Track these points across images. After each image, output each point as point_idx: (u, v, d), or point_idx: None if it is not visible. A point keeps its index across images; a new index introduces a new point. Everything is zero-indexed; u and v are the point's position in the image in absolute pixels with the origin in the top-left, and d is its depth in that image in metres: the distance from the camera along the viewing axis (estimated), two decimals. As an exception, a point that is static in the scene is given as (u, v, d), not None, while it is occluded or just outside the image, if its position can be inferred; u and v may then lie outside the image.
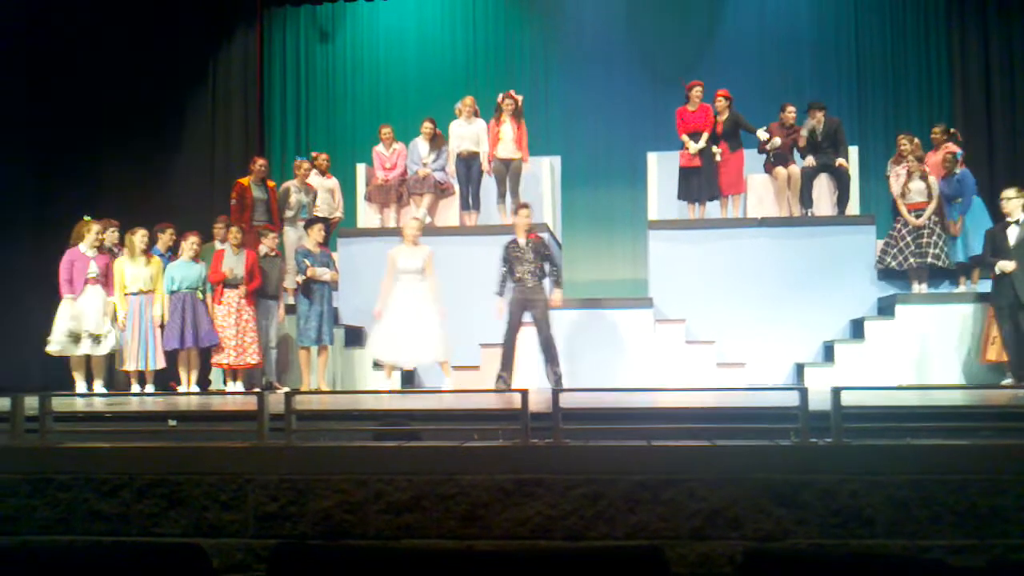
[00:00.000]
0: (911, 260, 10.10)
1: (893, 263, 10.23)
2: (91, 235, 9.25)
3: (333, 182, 11.41)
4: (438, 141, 11.32)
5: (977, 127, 12.77)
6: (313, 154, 11.61)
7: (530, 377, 9.41)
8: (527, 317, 9.06)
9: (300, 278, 9.56)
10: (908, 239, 10.13)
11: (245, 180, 10.41)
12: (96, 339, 9.10)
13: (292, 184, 10.79)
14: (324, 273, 9.57)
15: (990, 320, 9.41)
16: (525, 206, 9.26)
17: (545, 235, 10.91)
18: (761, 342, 10.25)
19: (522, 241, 9.07)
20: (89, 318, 9.11)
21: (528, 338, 9.14)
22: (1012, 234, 8.96)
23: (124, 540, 4.94)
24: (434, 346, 9.06)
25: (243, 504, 4.96)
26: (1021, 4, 12.78)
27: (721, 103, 10.96)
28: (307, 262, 9.52)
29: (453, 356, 9.25)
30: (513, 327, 9.05)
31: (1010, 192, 9.11)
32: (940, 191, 10.31)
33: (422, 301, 9.08)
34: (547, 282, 9.14)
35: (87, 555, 3.86)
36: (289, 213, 10.68)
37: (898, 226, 10.31)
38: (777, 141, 10.93)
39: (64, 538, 4.99)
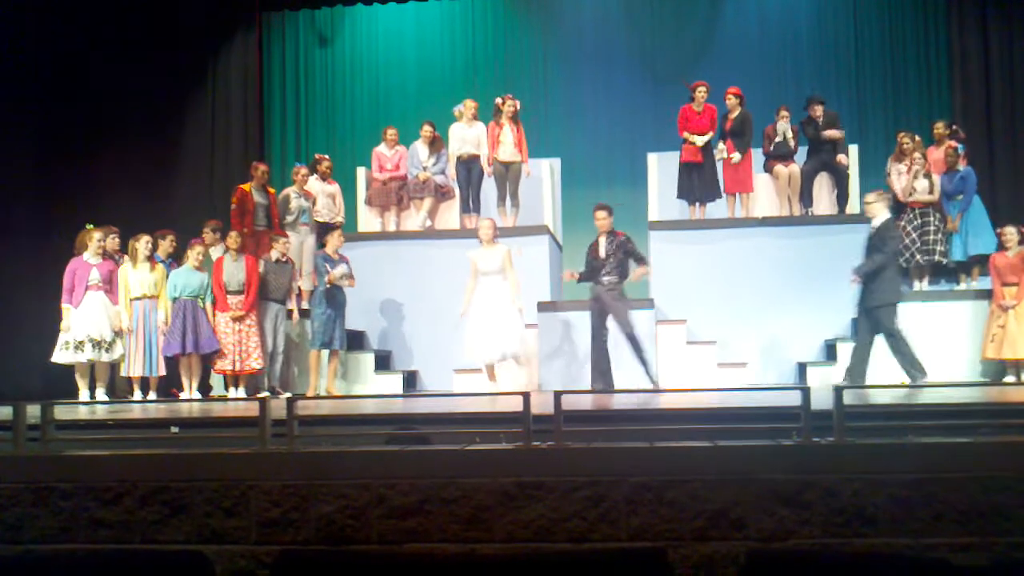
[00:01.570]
0: (918, 257, 10.10)
1: (900, 261, 10.22)
2: (93, 243, 9.33)
3: (334, 187, 11.40)
4: (437, 145, 11.33)
5: (977, 125, 12.73)
6: (317, 156, 11.58)
7: (516, 378, 9.40)
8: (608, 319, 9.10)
9: (326, 280, 9.61)
10: (914, 236, 10.13)
11: (246, 185, 10.42)
12: (99, 345, 9.13)
13: (292, 190, 10.79)
14: (344, 280, 9.64)
15: (991, 318, 9.42)
16: (600, 207, 9.25)
17: (545, 237, 10.95)
18: (762, 341, 10.25)
19: (603, 241, 9.12)
20: (91, 324, 9.15)
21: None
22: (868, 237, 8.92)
23: (127, 548, 4.94)
24: (510, 342, 9.15)
25: (246, 510, 4.95)
26: (1020, 1, 12.77)
27: (732, 100, 10.93)
28: (328, 267, 9.57)
29: (478, 358, 9.31)
30: (597, 332, 9.09)
31: (870, 196, 8.99)
32: (941, 187, 10.31)
33: (502, 300, 9.17)
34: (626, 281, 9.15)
35: (90, 564, 3.86)
36: (289, 218, 10.68)
37: (902, 223, 10.31)
38: (787, 127, 10.93)
39: (66, 547, 4.99)
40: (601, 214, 9.17)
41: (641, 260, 9.17)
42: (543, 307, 10.01)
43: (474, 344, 9.24)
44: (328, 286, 9.61)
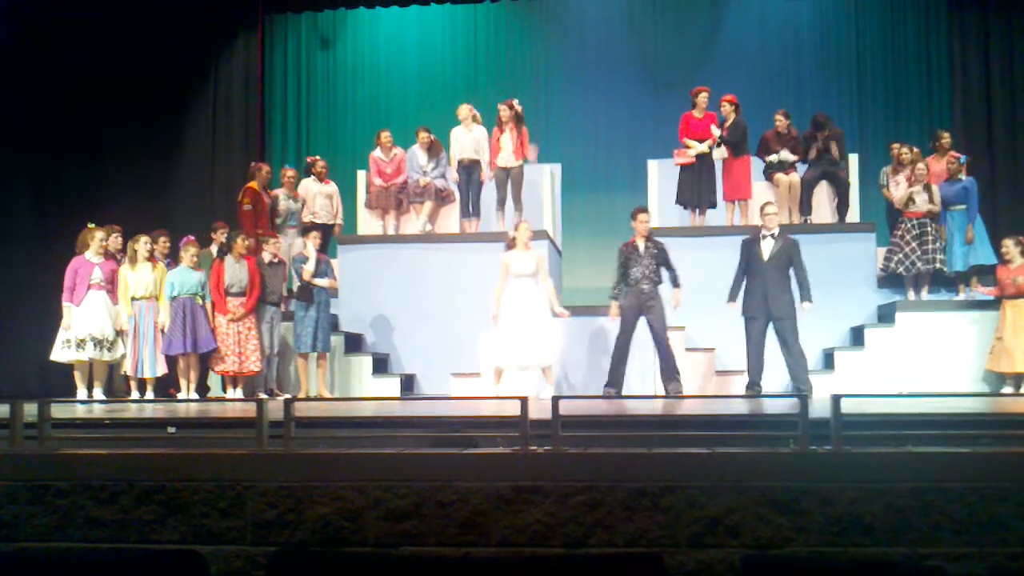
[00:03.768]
0: (918, 265, 10.10)
1: (900, 268, 10.20)
2: (95, 242, 9.33)
3: (332, 188, 11.37)
4: (436, 149, 11.29)
5: (977, 135, 12.77)
6: (309, 159, 11.55)
7: (529, 385, 9.38)
8: (642, 323, 9.02)
9: (302, 279, 9.57)
10: (913, 244, 10.13)
11: (254, 185, 10.39)
12: (100, 343, 9.14)
13: (281, 192, 10.79)
14: (321, 280, 9.59)
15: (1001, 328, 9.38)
16: (643, 210, 9.20)
17: (545, 242, 10.94)
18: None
19: (641, 244, 9.04)
20: (93, 323, 9.15)
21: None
22: (766, 248, 8.90)
23: (122, 547, 4.93)
24: (546, 350, 9.05)
25: (242, 511, 4.95)
26: (1022, 11, 12.80)
27: (727, 108, 10.91)
28: (304, 268, 9.54)
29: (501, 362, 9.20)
30: (627, 333, 9.00)
31: (770, 209, 9.06)
32: (941, 195, 10.31)
33: (536, 304, 9.09)
34: (663, 287, 9.07)
35: (85, 562, 3.85)
36: (277, 221, 10.67)
37: (900, 232, 10.31)
38: (787, 156, 10.94)
39: (62, 545, 4.98)
40: (644, 216, 9.08)
41: (673, 270, 9.09)
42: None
43: (503, 346, 9.06)
44: (304, 285, 9.51)
